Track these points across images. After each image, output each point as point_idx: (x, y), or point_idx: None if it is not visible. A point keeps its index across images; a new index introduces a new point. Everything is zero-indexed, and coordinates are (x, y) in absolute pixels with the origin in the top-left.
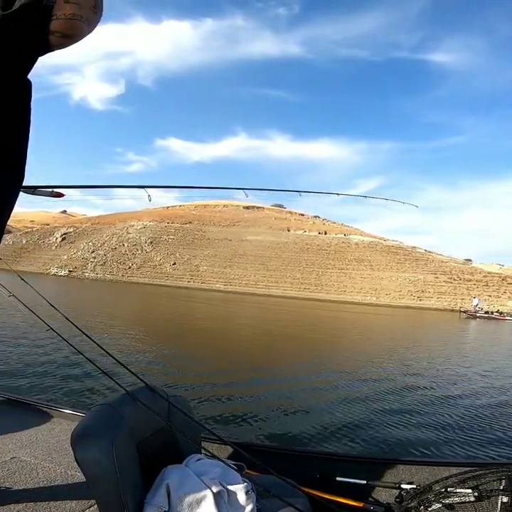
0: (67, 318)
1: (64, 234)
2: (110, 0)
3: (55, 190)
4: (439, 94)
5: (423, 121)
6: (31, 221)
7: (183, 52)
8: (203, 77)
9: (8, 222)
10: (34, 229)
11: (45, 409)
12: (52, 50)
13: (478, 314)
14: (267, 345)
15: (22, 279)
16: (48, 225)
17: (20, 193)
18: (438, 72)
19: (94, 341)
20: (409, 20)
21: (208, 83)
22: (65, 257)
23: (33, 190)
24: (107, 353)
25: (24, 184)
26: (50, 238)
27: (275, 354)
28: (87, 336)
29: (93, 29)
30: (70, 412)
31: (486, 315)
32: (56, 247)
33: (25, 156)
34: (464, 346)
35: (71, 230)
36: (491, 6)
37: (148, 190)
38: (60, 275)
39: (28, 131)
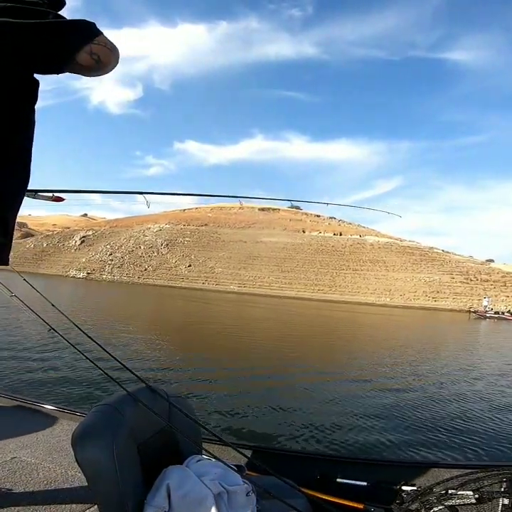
0: (68, 318)
1: (83, 237)
2: (126, 5)
3: (56, 194)
4: (456, 92)
5: (441, 120)
6: (53, 225)
7: (198, 55)
8: (218, 79)
9: (30, 226)
10: (55, 232)
11: (45, 409)
12: (76, 68)
13: (488, 315)
14: (271, 346)
15: (24, 279)
16: (68, 228)
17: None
18: (455, 71)
19: (94, 341)
20: (425, 19)
21: (224, 86)
22: (84, 260)
23: (34, 194)
24: (108, 353)
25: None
26: (70, 241)
27: (279, 356)
28: (87, 336)
29: (107, 72)
30: (71, 412)
31: (496, 315)
32: (75, 250)
33: (30, 157)
34: (467, 348)
35: (90, 233)
36: (507, 2)
37: (153, 196)
38: (79, 277)
39: (33, 131)
